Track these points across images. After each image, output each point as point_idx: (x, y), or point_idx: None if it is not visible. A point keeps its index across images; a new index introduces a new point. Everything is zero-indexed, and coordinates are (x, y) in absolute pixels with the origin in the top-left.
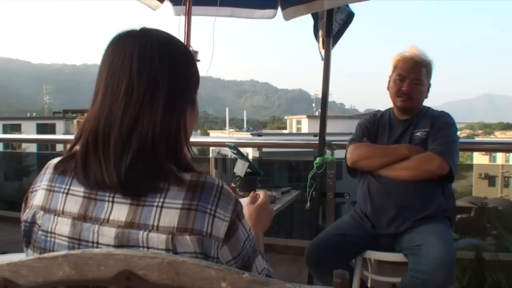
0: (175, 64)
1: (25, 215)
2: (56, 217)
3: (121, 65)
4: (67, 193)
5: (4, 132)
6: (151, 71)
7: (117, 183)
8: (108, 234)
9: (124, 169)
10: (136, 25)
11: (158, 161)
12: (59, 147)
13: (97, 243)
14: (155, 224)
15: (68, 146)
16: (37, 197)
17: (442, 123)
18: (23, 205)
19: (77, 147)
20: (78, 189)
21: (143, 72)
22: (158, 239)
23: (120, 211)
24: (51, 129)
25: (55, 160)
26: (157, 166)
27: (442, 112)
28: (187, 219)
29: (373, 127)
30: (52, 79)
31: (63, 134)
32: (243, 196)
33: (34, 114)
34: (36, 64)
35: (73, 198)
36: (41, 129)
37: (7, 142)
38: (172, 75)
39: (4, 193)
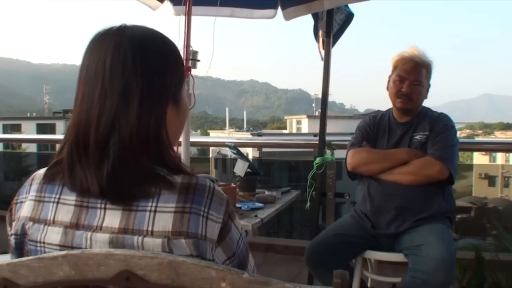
0: (149, 64)
1: (14, 228)
2: (46, 226)
3: (95, 70)
4: (57, 202)
5: (4, 132)
6: (124, 75)
7: (98, 191)
8: (101, 239)
9: (105, 176)
10: (116, 23)
11: (142, 165)
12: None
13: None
14: (149, 229)
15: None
16: (24, 209)
17: (441, 126)
18: (7, 218)
19: (64, 153)
20: (69, 198)
21: (116, 77)
22: (154, 243)
23: (113, 217)
24: (51, 129)
25: (42, 171)
26: (144, 171)
27: (441, 114)
28: (181, 222)
29: (372, 130)
30: (52, 79)
31: (63, 134)
32: (243, 196)
33: (34, 114)
34: (36, 64)
35: (65, 207)
36: (41, 129)
37: (7, 142)
38: (146, 75)
39: (3, 193)
